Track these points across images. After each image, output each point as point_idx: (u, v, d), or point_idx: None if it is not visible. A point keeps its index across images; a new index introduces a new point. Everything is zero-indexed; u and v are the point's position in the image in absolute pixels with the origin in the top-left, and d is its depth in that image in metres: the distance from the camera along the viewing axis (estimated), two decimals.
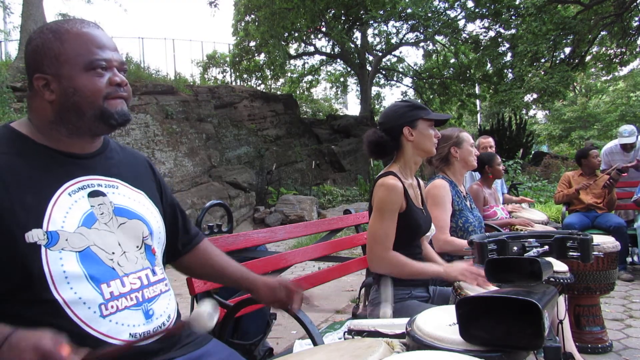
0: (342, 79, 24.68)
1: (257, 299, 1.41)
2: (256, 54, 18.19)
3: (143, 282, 1.12)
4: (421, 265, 1.91)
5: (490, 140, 4.26)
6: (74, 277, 1.01)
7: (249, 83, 19.25)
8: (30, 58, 1.09)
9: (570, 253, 1.41)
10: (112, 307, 1.04)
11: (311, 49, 19.94)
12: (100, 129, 1.13)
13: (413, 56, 55.60)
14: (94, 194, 1.11)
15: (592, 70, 19.94)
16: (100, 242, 1.07)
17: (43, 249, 0.99)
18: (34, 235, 0.99)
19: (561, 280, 1.89)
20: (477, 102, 20.61)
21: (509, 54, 14.15)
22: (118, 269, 1.08)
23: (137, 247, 1.15)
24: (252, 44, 17.52)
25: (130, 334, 1.06)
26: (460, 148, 2.62)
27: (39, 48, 1.08)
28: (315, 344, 1.46)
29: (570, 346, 2.36)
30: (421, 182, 2.16)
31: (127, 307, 1.07)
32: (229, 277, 1.42)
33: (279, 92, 19.69)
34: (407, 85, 22.35)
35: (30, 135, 1.09)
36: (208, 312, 1.02)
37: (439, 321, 1.23)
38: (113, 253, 1.08)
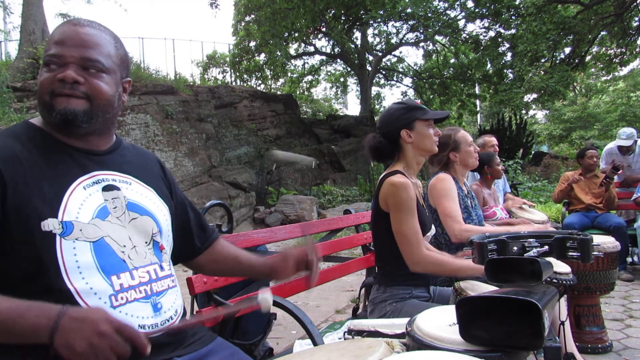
0: (342, 79, 24.69)
1: (279, 278, 1.40)
2: (256, 54, 18.19)
3: (151, 277, 1.14)
4: (459, 261, 1.86)
5: (494, 140, 4.25)
6: (86, 268, 1.03)
7: (249, 83, 19.25)
8: None
9: (570, 253, 1.40)
10: (121, 298, 1.06)
11: (311, 49, 19.94)
12: (54, 126, 1.11)
13: (413, 56, 55.63)
14: (108, 188, 1.13)
15: (592, 70, 19.93)
16: (113, 234, 1.09)
17: (58, 238, 1.01)
18: (50, 224, 1.01)
19: (564, 282, 1.88)
20: (477, 102, 20.60)
21: (509, 54, 14.14)
22: (128, 262, 1.10)
23: (146, 242, 1.16)
24: (252, 44, 17.52)
25: (139, 325, 1.08)
26: (458, 152, 2.59)
27: None
28: (315, 344, 1.46)
29: (571, 347, 2.36)
30: (419, 182, 2.16)
31: (136, 299, 1.09)
32: (243, 268, 1.44)
33: (279, 92, 19.69)
34: (407, 85, 22.37)
35: (47, 130, 1.13)
36: (268, 298, 1.18)
37: (439, 321, 1.23)
38: (124, 246, 1.11)
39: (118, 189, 1.15)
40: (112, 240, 1.08)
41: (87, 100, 1.10)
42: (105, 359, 0.88)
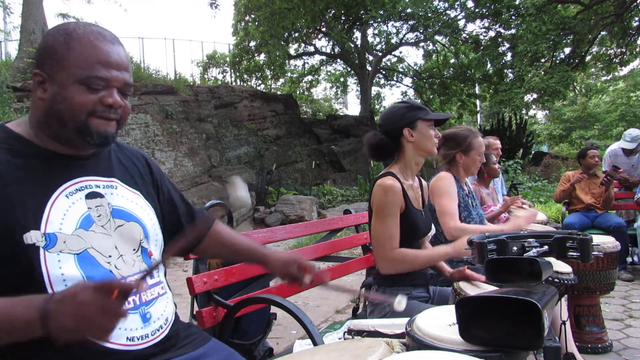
0: (342, 79, 24.68)
1: (269, 271, 1.42)
2: (256, 54, 18.18)
3: None
4: (428, 252, 1.91)
5: (498, 143, 4.24)
6: (71, 280, 1.00)
7: (249, 83, 19.23)
8: (38, 53, 1.08)
9: (570, 253, 1.40)
10: None
11: (311, 49, 19.94)
12: (79, 143, 1.09)
13: (413, 56, 55.67)
14: (91, 196, 1.10)
15: (592, 70, 19.94)
16: (97, 245, 1.06)
17: (42, 251, 0.98)
18: (32, 237, 0.98)
19: (565, 281, 1.88)
20: (477, 102, 20.60)
21: (509, 54, 14.14)
22: (115, 272, 1.07)
23: (134, 250, 1.13)
24: (252, 44, 17.51)
25: (127, 337, 1.06)
26: (467, 156, 2.57)
27: (47, 46, 1.06)
28: (315, 344, 1.46)
29: (572, 347, 2.36)
30: (424, 182, 2.16)
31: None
32: (240, 252, 1.45)
33: (279, 92, 19.68)
34: (407, 85, 22.37)
35: (26, 136, 1.08)
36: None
37: (439, 321, 1.23)
38: (110, 256, 1.08)
39: (102, 196, 1.12)
40: (95, 251, 1.05)
41: (117, 122, 1.11)
42: (99, 324, 0.86)
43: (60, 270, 1.00)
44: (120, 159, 1.24)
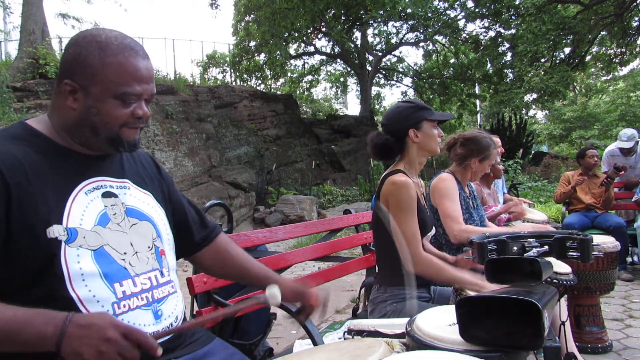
0: (342, 79, 24.67)
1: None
2: (256, 54, 18.19)
3: (153, 283, 1.14)
4: (456, 272, 1.82)
5: (499, 141, 4.22)
6: (89, 275, 1.03)
7: (249, 83, 19.23)
8: (67, 62, 1.08)
9: (570, 253, 1.40)
10: (124, 306, 1.06)
11: (311, 49, 19.94)
12: (108, 150, 1.15)
13: (413, 56, 55.66)
14: (107, 195, 1.13)
15: (592, 70, 19.95)
16: (114, 242, 1.09)
17: (63, 245, 1.01)
18: (55, 231, 1.01)
19: (564, 282, 1.88)
20: (477, 102, 20.61)
21: (509, 54, 14.16)
22: (130, 269, 1.10)
23: (149, 247, 1.17)
24: (252, 44, 17.52)
25: None
26: (480, 164, 2.59)
27: (79, 57, 1.07)
28: (315, 344, 1.46)
29: (572, 347, 2.36)
30: (421, 182, 2.16)
31: (138, 306, 1.09)
32: (252, 276, 1.41)
33: (279, 92, 19.68)
34: (407, 85, 22.37)
35: (47, 134, 1.11)
36: (276, 293, 1.21)
37: (439, 321, 1.23)
38: (125, 253, 1.10)
39: (116, 195, 1.15)
40: (111, 248, 1.08)
41: (141, 130, 1.16)
42: None
43: (79, 264, 1.02)
44: (130, 160, 1.27)
